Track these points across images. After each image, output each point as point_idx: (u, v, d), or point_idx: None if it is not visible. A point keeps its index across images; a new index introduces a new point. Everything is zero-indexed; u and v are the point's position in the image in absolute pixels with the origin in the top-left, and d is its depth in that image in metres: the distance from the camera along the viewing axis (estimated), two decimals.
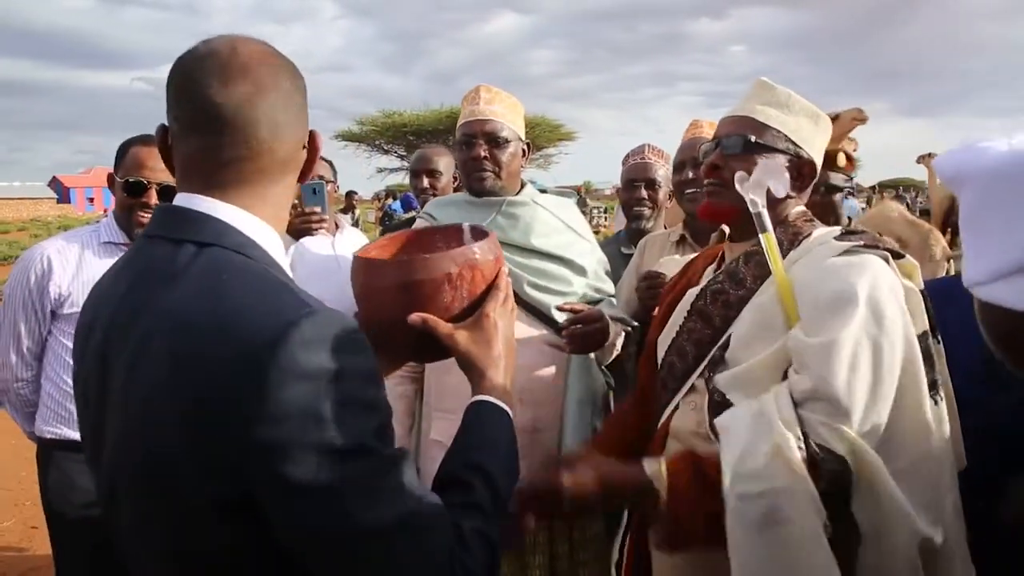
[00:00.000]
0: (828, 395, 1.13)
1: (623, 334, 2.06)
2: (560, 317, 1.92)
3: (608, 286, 2.16)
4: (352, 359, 0.78)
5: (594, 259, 2.13)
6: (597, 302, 2.06)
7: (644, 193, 2.63)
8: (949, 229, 7.97)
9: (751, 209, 1.32)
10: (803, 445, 1.11)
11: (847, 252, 1.27)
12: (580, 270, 2.05)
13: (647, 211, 2.64)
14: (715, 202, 1.45)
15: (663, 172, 2.66)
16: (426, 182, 3.08)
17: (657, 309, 1.70)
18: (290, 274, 0.95)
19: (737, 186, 1.34)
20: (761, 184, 1.33)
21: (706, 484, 1.14)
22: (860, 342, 1.15)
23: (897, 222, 3.14)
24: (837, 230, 1.37)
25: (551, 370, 1.96)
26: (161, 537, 0.85)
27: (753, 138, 1.40)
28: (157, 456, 0.81)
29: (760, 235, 1.31)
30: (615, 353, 2.06)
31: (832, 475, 1.10)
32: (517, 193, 2.08)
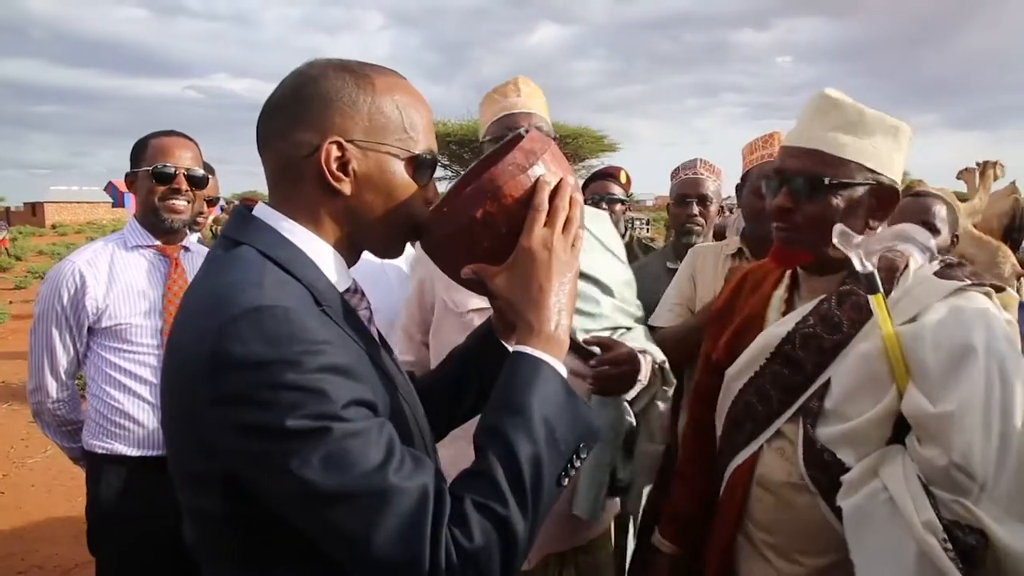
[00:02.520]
0: (964, 470, 1.06)
1: (651, 371, 1.81)
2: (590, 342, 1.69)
3: (634, 309, 1.95)
4: (283, 350, 0.80)
5: (622, 280, 1.92)
6: (623, 328, 1.84)
7: (696, 209, 2.59)
8: (1009, 243, 7.64)
9: (860, 270, 1.18)
10: (950, 545, 1.04)
11: (954, 293, 1.18)
12: (608, 290, 1.85)
13: (698, 228, 2.60)
14: (789, 250, 1.34)
15: (715, 187, 2.61)
16: None
17: (716, 326, 1.60)
18: (340, 286, 0.97)
19: (836, 240, 1.20)
20: (874, 249, 1.19)
21: None
22: (989, 405, 1.08)
23: (963, 239, 2.95)
24: (935, 265, 1.26)
25: None
26: (181, 491, 0.93)
27: (827, 179, 1.24)
28: (166, 427, 0.93)
29: (870, 297, 1.19)
30: (640, 389, 1.78)
31: (977, 553, 1.05)
32: None
